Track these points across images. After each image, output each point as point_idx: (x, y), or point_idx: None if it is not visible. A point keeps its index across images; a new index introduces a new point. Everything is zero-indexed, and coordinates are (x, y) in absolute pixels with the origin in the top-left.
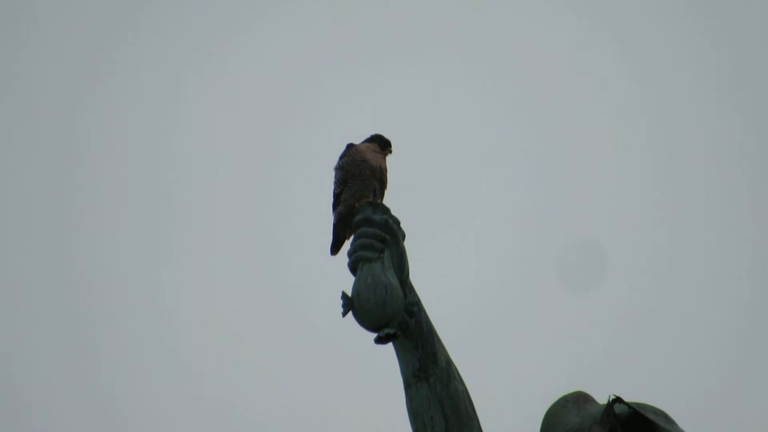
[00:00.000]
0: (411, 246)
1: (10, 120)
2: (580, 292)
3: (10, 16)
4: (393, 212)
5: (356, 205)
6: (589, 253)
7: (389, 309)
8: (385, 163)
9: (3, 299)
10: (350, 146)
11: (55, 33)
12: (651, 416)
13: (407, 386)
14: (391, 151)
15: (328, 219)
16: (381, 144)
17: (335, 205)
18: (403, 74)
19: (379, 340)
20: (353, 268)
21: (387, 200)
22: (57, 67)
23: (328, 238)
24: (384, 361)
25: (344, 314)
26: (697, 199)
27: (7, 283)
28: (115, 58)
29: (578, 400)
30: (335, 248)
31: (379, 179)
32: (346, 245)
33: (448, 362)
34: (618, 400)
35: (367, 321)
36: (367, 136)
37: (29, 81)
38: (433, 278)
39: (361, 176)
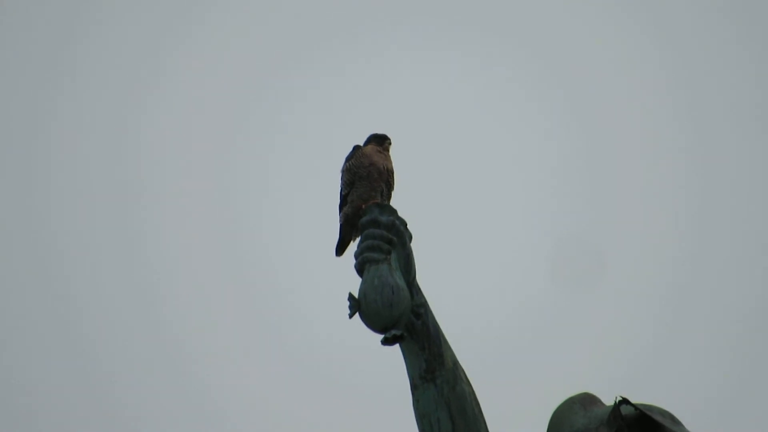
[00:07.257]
0: (417, 247)
1: None
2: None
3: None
4: (400, 214)
5: (363, 206)
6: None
7: (396, 310)
8: (391, 165)
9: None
10: (356, 148)
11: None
12: (657, 417)
13: (414, 387)
14: (390, 143)
15: (333, 220)
16: (379, 141)
17: (341, 207)
18: (401, 75)
19: (386, 342)
20: (360, 269)
21: (393, 201)
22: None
23: (334, 239)
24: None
25: (351, 315)
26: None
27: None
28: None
29: (585, 401)
30: (340, 249)
31: (386, 181)
32: (352, 246)
33: (455, 363)
34: (624, 401)
35: (373, 322)
36: (361, 135)
37: None
38: (439, 279)
39: (368, 178)
